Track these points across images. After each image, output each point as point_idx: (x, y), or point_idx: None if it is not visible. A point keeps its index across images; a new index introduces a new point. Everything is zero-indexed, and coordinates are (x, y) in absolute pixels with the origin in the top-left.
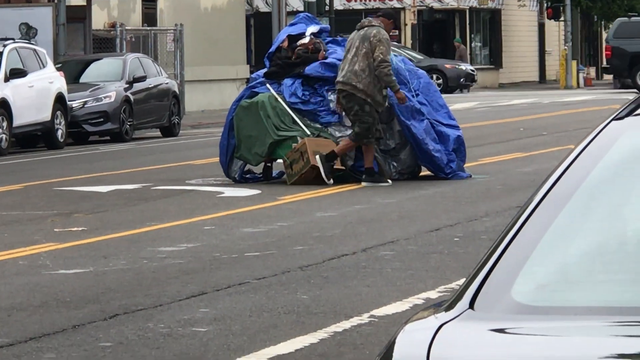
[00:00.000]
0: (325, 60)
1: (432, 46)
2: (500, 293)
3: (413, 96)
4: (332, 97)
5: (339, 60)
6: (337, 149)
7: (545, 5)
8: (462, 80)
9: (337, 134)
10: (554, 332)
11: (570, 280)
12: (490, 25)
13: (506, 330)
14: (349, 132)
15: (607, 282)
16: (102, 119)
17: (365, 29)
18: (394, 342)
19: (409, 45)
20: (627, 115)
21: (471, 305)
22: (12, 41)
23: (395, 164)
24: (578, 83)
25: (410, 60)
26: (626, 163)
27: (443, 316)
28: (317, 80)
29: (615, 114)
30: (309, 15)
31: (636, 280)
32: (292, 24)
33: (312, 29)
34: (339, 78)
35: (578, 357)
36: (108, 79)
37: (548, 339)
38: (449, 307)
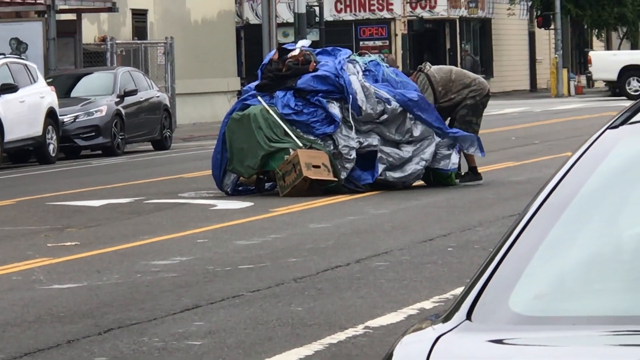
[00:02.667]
0: (317, 73)
1: (423, 56)
2: (497, 303)
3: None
4: (331, 104)
5: (330, 72)
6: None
7: (535, 13)
8: None
9: (342, 142)
10: (552, 342)
11: (567, 290)
12: (480, 34)
13: (504, 341)
14: (352, 142)
15: (604, 291)
16: (93, 133)
17: None
18: (391, 354)
19: (399, 54)
20: (622, 123)
21: (468, 316)
22: (2, 56)
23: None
24: (569, 91)
25: None
26: (622, 171)
27: (440, 327)
28: (308, 92)
29: (610, 123)
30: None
31: (633, 289)
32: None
33: (303, 42)
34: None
35: None
36: (99, 93)
37: (546, 349)
38: (447, 318)
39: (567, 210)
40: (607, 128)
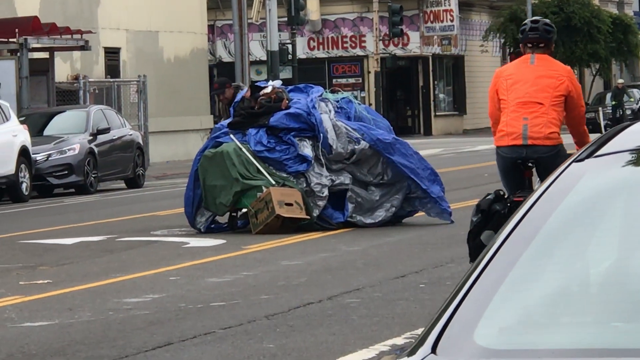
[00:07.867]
0: (290, 111)
1: (396, 93)
2: (462, 337)
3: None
4: (303, 143)
5: (302, 110)
6: None
7: (507, 50)
8: None
9: (315, 180)
10: None
11: (533, 323)
12: (453, 71)
13: None
14: (325, 180)
15: (570, 324)
16: (66, 172)
17: None
18: None
19: (372, 92)
20: (587, 157)
21: (434, 350)
22: None
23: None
24: None
25: None
26: (587, 205)
27: None
28: (281, 129)
29: (575, 156)
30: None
31: (598, 322)
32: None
33: (274, 83)
34: None
35: None
36: (72, 132)
37: None
38: (411, 353)
39: (532, 243)
40: (573, 161)
